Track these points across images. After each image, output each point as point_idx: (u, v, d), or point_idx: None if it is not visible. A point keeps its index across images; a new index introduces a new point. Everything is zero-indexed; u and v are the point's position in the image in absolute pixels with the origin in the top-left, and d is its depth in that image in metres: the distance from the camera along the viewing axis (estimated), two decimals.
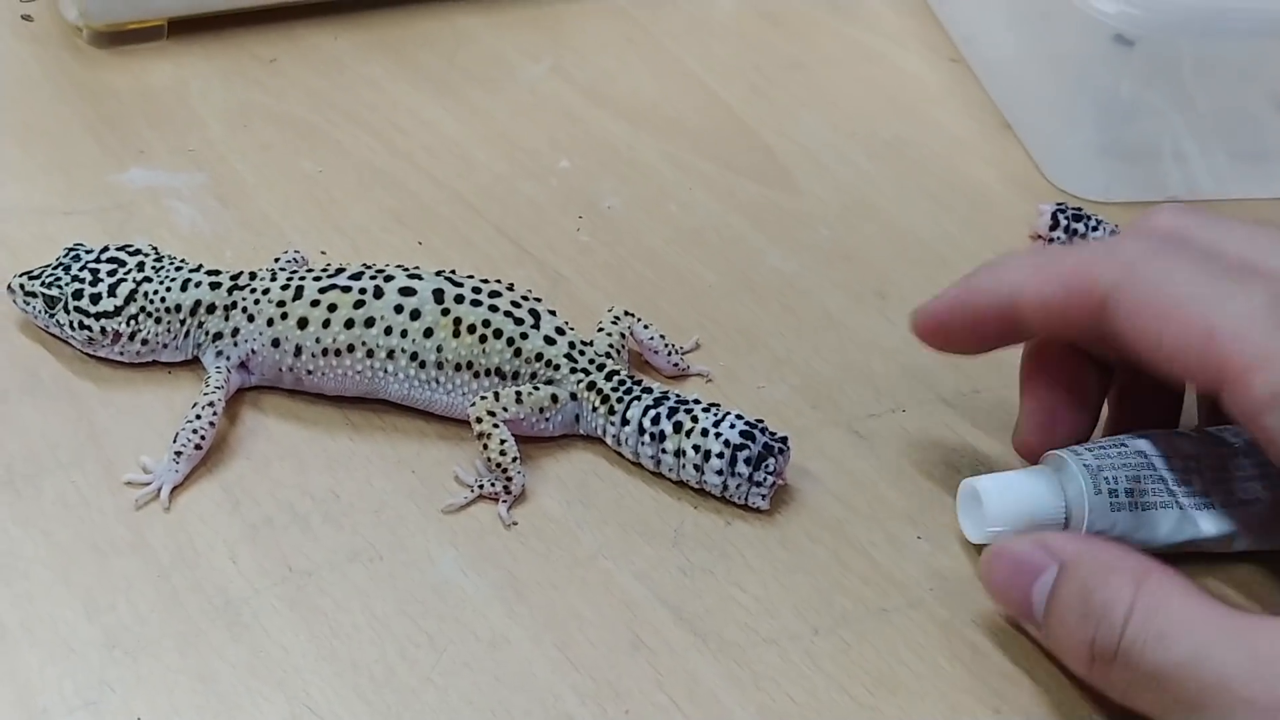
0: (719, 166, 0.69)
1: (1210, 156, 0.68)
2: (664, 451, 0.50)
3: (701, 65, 0.76)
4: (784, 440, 0.50)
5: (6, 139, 0.66)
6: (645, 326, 0.55)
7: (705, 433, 0.49)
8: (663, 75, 0.76)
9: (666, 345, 0.56)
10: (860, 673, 0.45)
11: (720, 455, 0.49)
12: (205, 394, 0.51)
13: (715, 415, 0.50)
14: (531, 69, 0.75)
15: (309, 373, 0.52)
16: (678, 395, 0.51)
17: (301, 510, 0.49)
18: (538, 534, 0.49)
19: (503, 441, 0.50)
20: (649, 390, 0.51)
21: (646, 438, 0.50)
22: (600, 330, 0.54)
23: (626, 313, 0.55)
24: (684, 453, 0.50)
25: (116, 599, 0.45)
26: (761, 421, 0.50)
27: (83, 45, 0.73)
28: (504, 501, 0.50)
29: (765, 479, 0.49)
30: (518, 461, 0.50)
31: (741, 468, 0.49)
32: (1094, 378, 0.49)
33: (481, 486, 0.50)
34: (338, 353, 0.51)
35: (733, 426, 0.49)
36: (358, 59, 0.75)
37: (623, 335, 0.54)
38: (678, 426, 0.50)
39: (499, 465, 0.50)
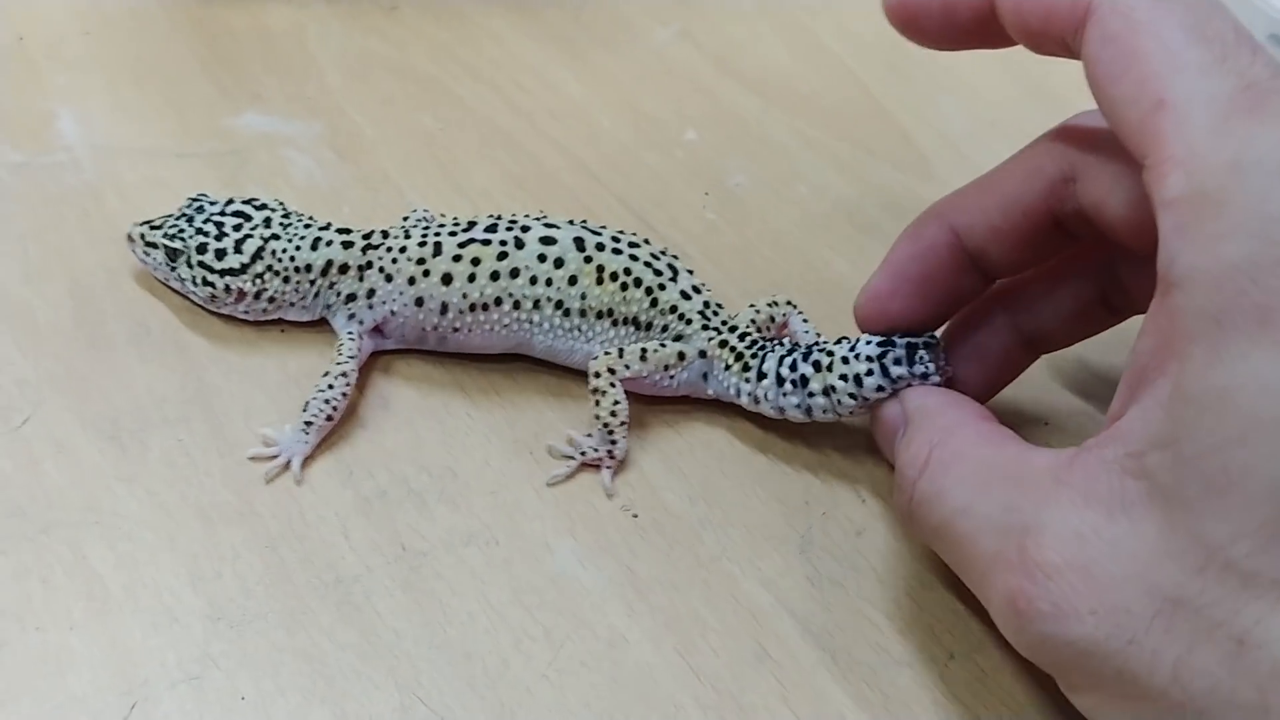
0: (853, 148, 0.65)
1: None
2: (811, 395, 0.47)
3: (837, 40, 0.73)
4: (932, 335, 0.46)
5: (120, 76, 0.64)
6: (804, 320, 0.53)
7: (846, 360, 0.47)
8: (796, 48, 0.72)
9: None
10: (997, 703, 0.42)
11: (870, 373, 0.46)
12: (338, 363, 0.49)
13: (848, 343, 0.47)
14: (659, 33, 0.72)
15: (455, 330, 0.50)
16: (806, 344, 0.49)
17: (417, 486, 0.47)
18: (659, 529, 0.47)
19: (615, 403, 0.48)
20: (781, 344, 0.49)
21: (789, 386, 0.48)
22: (751, 306, 0.52)
23: (789, 302, 0.53)
24: (833, 388, 0.47)
25: (223, 568, 0.44)
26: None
27: None
28: (608, 467, 0.48)
29: (927, 369, 0.45)
30: (625, 426, 0.48)
31: (896, 370, 0.46)
32: (968, 280, 0.46)
33: (584, 453, 0.48)
34: (485, 307, 0.49)
35: (868, 343, 0.47)
36: (481, 10, 0.72)
37: (773, 319, 0.52)
38: (817, 366, 0.47)
39: (606, 426, 0.47)
